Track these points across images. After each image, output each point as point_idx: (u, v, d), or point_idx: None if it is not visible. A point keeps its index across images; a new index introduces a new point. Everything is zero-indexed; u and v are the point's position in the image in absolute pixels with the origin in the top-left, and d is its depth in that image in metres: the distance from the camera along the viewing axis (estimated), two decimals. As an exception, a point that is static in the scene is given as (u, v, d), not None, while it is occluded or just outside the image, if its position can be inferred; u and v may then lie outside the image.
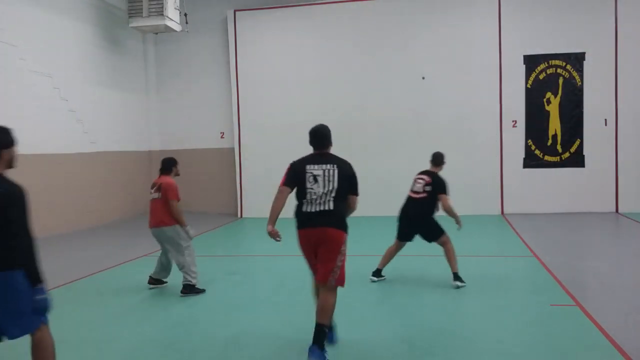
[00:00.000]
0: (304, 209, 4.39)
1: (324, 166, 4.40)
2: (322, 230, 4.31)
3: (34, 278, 3.33)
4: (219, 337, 5.03)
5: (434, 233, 6.51)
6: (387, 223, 7.88)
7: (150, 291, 6.58)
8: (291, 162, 4.54)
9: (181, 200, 6.40)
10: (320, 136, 4.56)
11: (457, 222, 6.45)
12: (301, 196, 4.42)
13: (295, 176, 4.43)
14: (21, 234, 3.31)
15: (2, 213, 3.25)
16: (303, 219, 4.41)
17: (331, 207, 4.32)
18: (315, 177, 4.36)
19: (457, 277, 6.40)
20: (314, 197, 4.35)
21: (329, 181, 4.35)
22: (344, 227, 4.40)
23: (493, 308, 5.65)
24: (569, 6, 12.34)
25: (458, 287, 6.33)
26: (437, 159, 6.72)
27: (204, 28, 14.07)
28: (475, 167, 12.69)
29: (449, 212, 6.41)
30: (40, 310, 3.38)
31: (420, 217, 6.47)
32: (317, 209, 4.33)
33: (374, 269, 6.80)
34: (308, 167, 4.42)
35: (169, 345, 4.88)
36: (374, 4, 13.03)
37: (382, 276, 6.75)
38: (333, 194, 4.34)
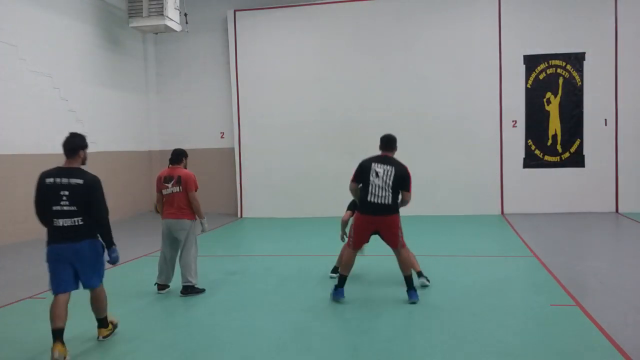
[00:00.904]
0: (368, 198, 5.70)
1: (385, 166, 5.76)
2: (381, 219, 5.73)
3: (110, 242, 4.69)
4: (219, 337, 5.04)
5: None
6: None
7: (150, 292, 6.58)
8: (360, 162, 5.86)
9: (198, 189, 6.54)
10: (386, 141, 5.98)
11: None
12: (365, 186, 5.74)
13: (362, 172, 5.81)
14: (101, 212, 4.60)
15: (86, 197, 4.49)
16: (367, 207, 5.73)
17: (389, 202, 5.68)
18: (377, 173, 5.73)
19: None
20: (376, 189, 5.68)
21: (387, 177, 5.69)
22: (396, 211, 5.79)
23: (493, 308, 5.65)
24: (569, 6, 12.34)
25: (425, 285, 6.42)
26: None
27: (204, 28, 14.07)
28: (475, 167, 12.69)
29: None
30: (114, 261, 4.71)
31: None
32: (379, 202, 5.66)
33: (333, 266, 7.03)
34: (374, 164, 5.78)
35: (170, 346, 4.88)
36: (374, 4, 13.02)
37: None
38: (390, 189, 5.67)
